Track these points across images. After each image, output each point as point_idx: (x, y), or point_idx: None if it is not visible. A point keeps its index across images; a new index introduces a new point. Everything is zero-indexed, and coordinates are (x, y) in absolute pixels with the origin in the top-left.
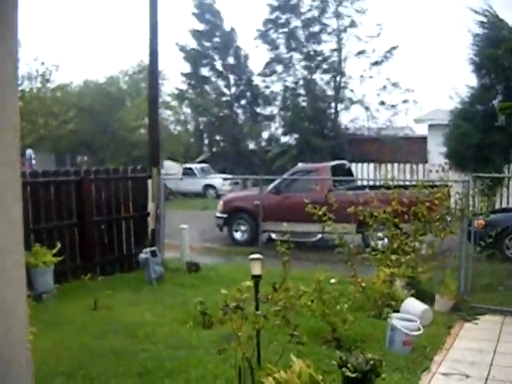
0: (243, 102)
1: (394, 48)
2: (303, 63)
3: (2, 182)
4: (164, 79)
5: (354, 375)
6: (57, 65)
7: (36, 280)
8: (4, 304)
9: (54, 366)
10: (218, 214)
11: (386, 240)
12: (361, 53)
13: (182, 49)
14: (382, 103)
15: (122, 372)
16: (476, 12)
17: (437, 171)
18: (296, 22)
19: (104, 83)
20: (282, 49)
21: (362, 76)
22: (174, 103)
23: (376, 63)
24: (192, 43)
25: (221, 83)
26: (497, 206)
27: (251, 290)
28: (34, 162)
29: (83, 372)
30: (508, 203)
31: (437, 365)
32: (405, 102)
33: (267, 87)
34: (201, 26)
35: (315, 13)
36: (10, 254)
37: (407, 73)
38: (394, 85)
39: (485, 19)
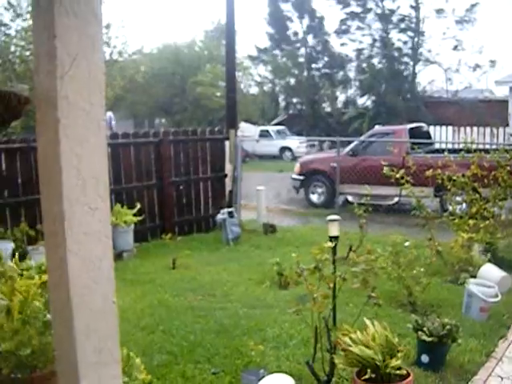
0: (320, 64)
1: (474, 6)
2: (379, 23)
3: (88, 140)
4: (241, 37)
5: (429, 339)
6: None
7: (117, 239)
8: (92, 258)
9: (135, 321)
10: (295, 176)
11: (464, 205)
12: (440, 11)
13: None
14: (465, 65)
15: (199, 328)
16: None
17: None
18: None
19: (182, 46)
20: (357, 7)
21: (442, 35)
22: (251, 64)
23: (456, 22)
24: (268, 5)
25: (298, 45)
26: None
27: (329, 251)
28: (113, 123)
29: (162, 327)
30: None
31: None
32: (488, 63)
33: (343, 46)
34: None
35: None
36: (97, 211)
37: (488, 32)
38: (474, 46)
39: None
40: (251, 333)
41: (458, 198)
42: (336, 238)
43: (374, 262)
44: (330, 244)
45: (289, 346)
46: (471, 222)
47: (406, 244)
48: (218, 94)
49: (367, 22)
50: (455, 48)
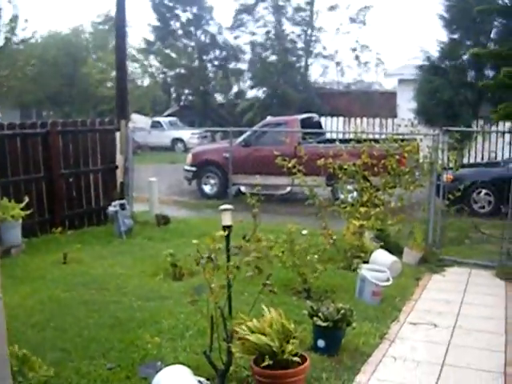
0: (212, 55)
1: (367, 7)
2: (272, 16)
3: None
4: (129, 29)
5: (324, 324)
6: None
7: (4, 234)
8: None
9: (25, 318)
10: (187, 167)
11: (355, 193)
12: (333, 8)
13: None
14: (356, 58)
15: (93, 323)
16: None
17: (406, 126)
18: None
19: (68, 34)
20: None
21: (335, 30)
22: (141, 56)
23: (349, 19)
24: None
25: (187, 36)
26: (465, 162)
27: (223, 241)
28: None
29: (54, 324)
30: (476, 158)
31: (405, 315)
32: (376, 58)
33: (236, 39)
34: None
35: None
36: None
37: (379, 27)
38: (366, 41)
39: None
40: (147, 325)
41: (349, 187)
42: (229, 227)
43: (267, 249)
44: (222, 233)
45: (185, 337)
46: (362, 209)
47: (304, 232)
48: (109, 84)
49: (261, 14)
50: (348, 42)
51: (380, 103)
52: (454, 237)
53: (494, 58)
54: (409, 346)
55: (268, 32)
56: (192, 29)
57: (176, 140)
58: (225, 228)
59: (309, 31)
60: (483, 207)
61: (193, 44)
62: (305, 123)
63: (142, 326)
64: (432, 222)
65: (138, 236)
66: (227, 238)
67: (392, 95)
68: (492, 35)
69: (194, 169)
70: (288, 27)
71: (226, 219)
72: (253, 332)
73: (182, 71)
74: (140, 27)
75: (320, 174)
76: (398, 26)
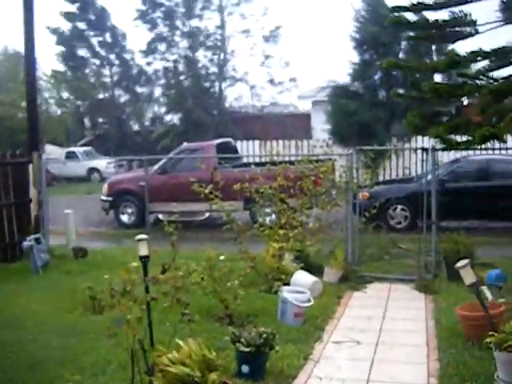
0: (124, 82)
1: (278, 28)
2: (185, 41)
3: None
4: (40, 59)
5: (247, 349)
6: None
7: None
8: None
9: None
10: (104, 197)
11: (273, 215)
12: (245, 31)
13: (55, 31)
14: (270, 81)
15: (9, 365)
16: None
17: (321, 146)
18: None
19: None
20: (163, 27)
21: (247, 54)
22: (52, 86)
23: (261, 42)
24: (66, 25)
25: (99, 64)
26: (381, 179)
27: (140, 272)
28: None
29: None
30: (391, 175)
31: (329, 334)
32: (290, 80)
33: (149, 65)
34: (73, 8)
35: None
36: None
37: (292, 50)
38: (279, 63)
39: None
40: (67, 363)
41: (267, 210)
42: (146, 257)
43: (185, 278)
44: (137, 264)
45: (107, 373)
46: (281, 231)
47: (222, 258)
48: (21, 115)
49: (174, 40)
50: (261, 65)
51: (295, 125)
52: (374, 253)
53: (403, 69)
54: (333, 364)
55: (181, 57)
56: (104, 55)
57: (92, 170)
58: (142, 258)
59: (221, 55)
60: (400, 222)
61: (105, 71)
62: (221, 148)
63: (62, 363)
64: (351, 240)
65: (55, 270)
66: (144, 268)
67: (307, 117)
68: (400, 55)
69: (110, 199)
70: (201, 52)
71: (143, 249)
72: (174, 363)
73: (95, 99)
74: (50, 56)
75: (237, 198)
76: (312, 48)
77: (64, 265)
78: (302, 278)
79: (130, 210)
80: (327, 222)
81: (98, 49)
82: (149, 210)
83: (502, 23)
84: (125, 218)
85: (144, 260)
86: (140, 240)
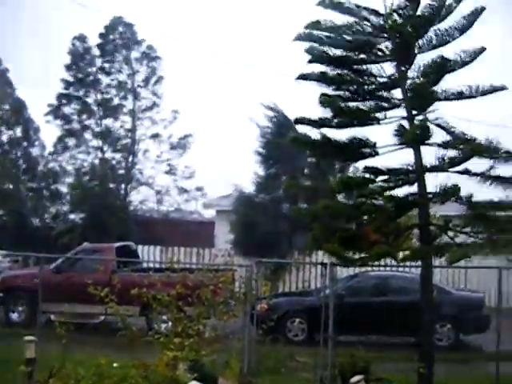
0: (28, 176)
1: (187, 136)
2: (96, 141)
3: None
4: None
5: None
6: None
7: None
8: None
9: None
10: None
11: (169, 323)
12: (155, 136)
13: None
14: (176, 188)
15: None
16: (266, 107)
17: (223, 256)
18: (90, 99)
19: None
20: (75, 125)
21: (156, 158)
22: None
23: (168, 149)
24: None
25: (4, 155)
26: (281, 291)
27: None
28: None
29: None
30: (290, 288)
31: None
32: (196, 189)
33: (57, 162)
34: None
35: (112, 91)
36: None
37: (200, 157)
38: (185, 171)
39: (272, 114)
40: None
41: (164, 317)
42: (33, 360)
43: None
44: (24, 368)
45: None
46: (176, 340)
47: (115, 365)
48: None
49: (84, 139)
50: (168, 172)
51: (198, 232)
52: (271, 366)
53: (305, 191)
54: None
55: (90, 157)
56: (9, 149)
57: None
58: (28, 361)
59: (130, 158)
60: (297, 335)
61: (9, 165)
62: (121, 251)
63: None
64: (247, 352)
65: None
66: (30, 372)
67: (211, 225)
68: (305, 171)
69: (1, 294)
70: (110, 154)
71: (29, 351)
72: None
73: None
74: None
75: (134, 303)
76: (219, 156)
77: None
78: None
79: (20, 308)
80: (224, 332)
81: (7, 140)
82: (41, 310)
83: (397, 146)
84: (14, 315)
85: (30, 363)
86: (27, 341)
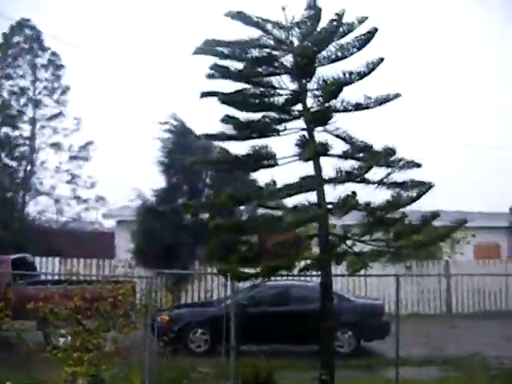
0: None
1: (88, 143)
2: None
3: None
4: None
5: None
6: None
7: None
8: None
9: None
10: None
11: (68, 337)
12: (56, 144)
13: None
14: (75, 198)
15: None
16: (165, 123)
17: (123, 267)
18: None
19: None
20: None
21: (56, 168)
22: None
23: (68, 158)
24: None
25: None
26: (183, 301)
27: None
28: None
29: None
30: (193, 298)
31: None
32: (96, 199)
33: None
34: None
35: (11, 97)
36: None
37: (101, 168)
38: (86, 181)
39: (173, 127)
40: None
41: (62, 331)
42: None
43: None
44: None
45: None
46: (75, 354)
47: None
48: None
49: None
50: (69, 181)
51: (99, 243)
52: (173, 377)
53: (204, 209)
54: None
55: None
56: None
57: None
58: None
59: (28, 167)
60: (200, 346)
61: None
62: (17, 263)
63: None
64: (148, 364)
65: None
66: None
67: (110, 235)
68: (207, 181)
69: None
70: (7, 161)
71: None
72: None
73: None
74: None
75: (30, 317)
76: (121, 167)
77: None
78: None
79: None
80: (124, 344)
81: None
82: None
83: (297, 158)
84: None
85: None
86: None
